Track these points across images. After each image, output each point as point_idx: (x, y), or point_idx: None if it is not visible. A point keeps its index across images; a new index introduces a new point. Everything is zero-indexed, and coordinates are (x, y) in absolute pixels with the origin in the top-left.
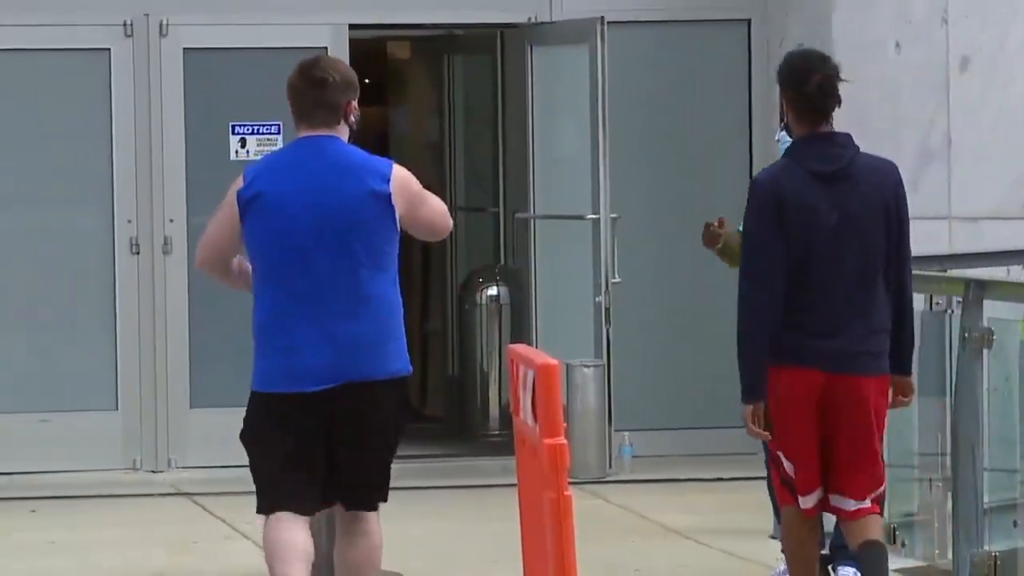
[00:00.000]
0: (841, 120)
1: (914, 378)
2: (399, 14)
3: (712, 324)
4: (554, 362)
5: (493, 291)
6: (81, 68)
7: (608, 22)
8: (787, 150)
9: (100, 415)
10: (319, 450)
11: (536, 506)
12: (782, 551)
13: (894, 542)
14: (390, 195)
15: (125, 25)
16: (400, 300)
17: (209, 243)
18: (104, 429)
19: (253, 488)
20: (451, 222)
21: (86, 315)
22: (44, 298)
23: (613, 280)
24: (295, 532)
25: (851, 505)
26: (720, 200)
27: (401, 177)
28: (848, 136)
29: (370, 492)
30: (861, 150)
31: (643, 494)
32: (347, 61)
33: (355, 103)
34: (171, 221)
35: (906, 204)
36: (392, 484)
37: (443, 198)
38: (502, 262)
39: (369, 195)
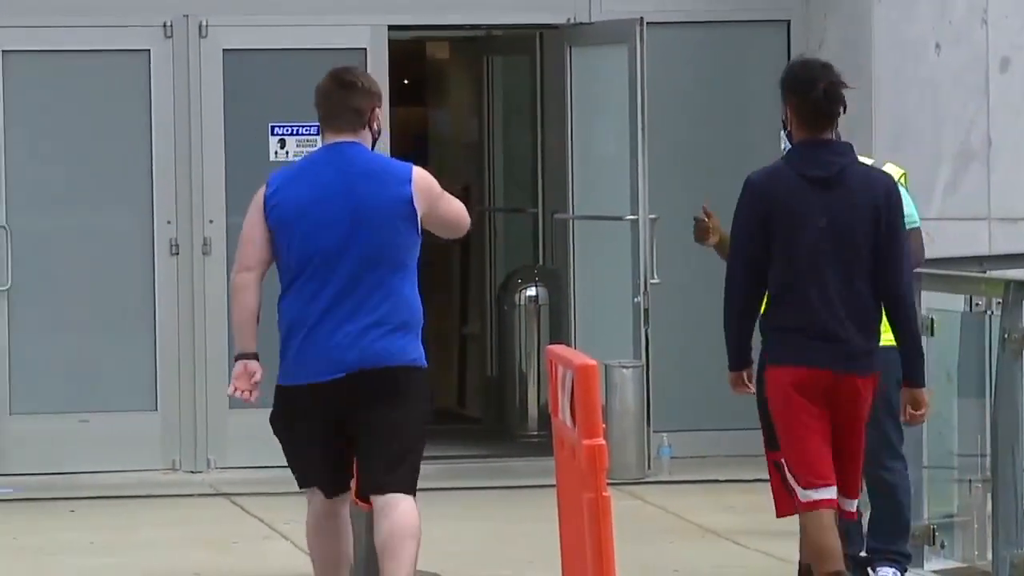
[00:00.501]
0: (880, 121)
1: (927, 388)
2: (438, 15)
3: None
4: (593, 363)
5: (532, 292)
6: (121, 69)
7: (647, 23)
8: (786, 154)
9: (139, 416)
10: (337, 435)
11: (575, 507)
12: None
13: (933, 543)
14: (412, 198)
15: (165, 26)
16: (419, 299)
17: (241, 255)
18: (143, 429)
19: (289, 489)
20: (468, 220)
21: (126, 316)
22: (84, 299)
23: (652, 281)
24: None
25: (845, 504)
26: None
27: (421, 177)
28: (847, 145)
29: (399, 475)
30: (861, 159)
31: (682, 495)
32: (386, 62)
33: (379, 111)
34: (210, 222)
35: (900, 216)
36: (430, 485)
37: (482, 199)
38: (541, 263)
39: (393, 199)
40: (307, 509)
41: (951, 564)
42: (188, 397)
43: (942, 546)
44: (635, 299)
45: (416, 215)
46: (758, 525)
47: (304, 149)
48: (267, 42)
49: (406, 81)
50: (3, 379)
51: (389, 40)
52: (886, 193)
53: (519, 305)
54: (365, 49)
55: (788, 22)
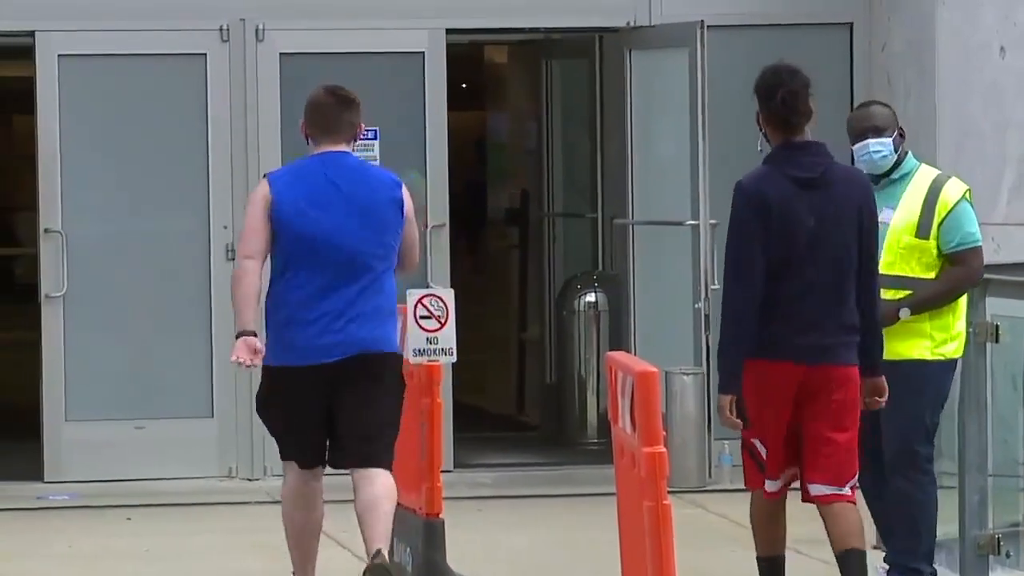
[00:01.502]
0: (944, 125)
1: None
2: (497, 18)
3: None
4: (653, 369)
5: (591, 297)
6: (177, 73)
7: (708, 26)
8: (767, 158)
9: (195, 422)
10: (323, 414)
11: (635, 515)
12: (878, 546)
13: (998, 552)
14: (402, 203)
15: (221, 30)
16: (395, 290)
17: (248, 243)
18: (199, 436)
19: (345, 497)
20: (418, 256)
21: (182, 321)
22: (140, 304)
23: (712, 286)
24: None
25: (824, 491)
26: None
27: (407, 192)
28: (823, 145)
29: (380, 450)
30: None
31: (743, 503)
32: (444, 66)
33: (362, 128)
34: None
35: (876, 214)
36: (488, 493)
37: (540, 204)
38: (600, 268)
39: (387, 202)
40: (284, 481)
41: (1017, 574)
42: (245, 403)
43: (1008, 555)
44: (696, 305)
45: (403, 218)
46: (820, 534)
47: (360, 154)
48: (324, 46)
49: (464, 85)
50: (59, 385)
51: (447, 44)
52: (864, 192)
53: (578, 311)
54: (423, 53)
55: (851, 24)
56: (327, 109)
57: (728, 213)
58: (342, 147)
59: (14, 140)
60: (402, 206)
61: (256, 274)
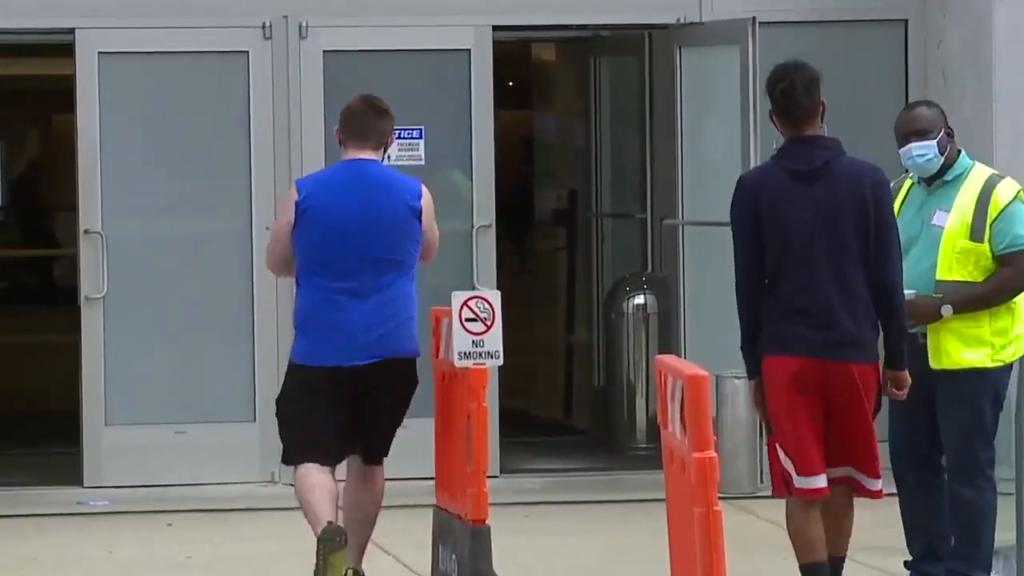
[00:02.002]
0: (1001, 123)
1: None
2: (544, 15)
3: None
4: (703, 373)
5: (640, 300)
6: (219, 71)
7: (759, 23)
8: (775, 152)
9: (238, 426)
10: (345, 412)
11: (685, 522)
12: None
13: None
14: (420, 210)
15: (264, 27)
16: (416, 295)
17: (274, 249)
18: (242, 441)
19: (389, 502)
20: (435, 252)
21: (223, 323)
22: (181, 306)
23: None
24: (325, 476)
25: (858, 476)
26: None
27: (427, 196)
28: (834, 140)
29: (384, 449)
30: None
31: None
32: (490, 64)
33: (392, 137)
34: None
35: (888, 207)
36: (536, 498)
37: (589, 204)
38: (649, 270)
39: (405, 208)
40: (296, 479)
41: None
42: None
43: None
44: None
45: (421, 224)
46: (873, 541)
47: (406, 154)
48: (368, 43)
49: (511, 84)
50: (98, 389)
51: (493, 41)
52: (873, 184)
53: (627, 313)
54: (469, 50)
55: (905, 22)
56: (359, 116)
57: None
58: (369, 154)
59: (54, 139)
60: (419, 215)
61: (284, 273)
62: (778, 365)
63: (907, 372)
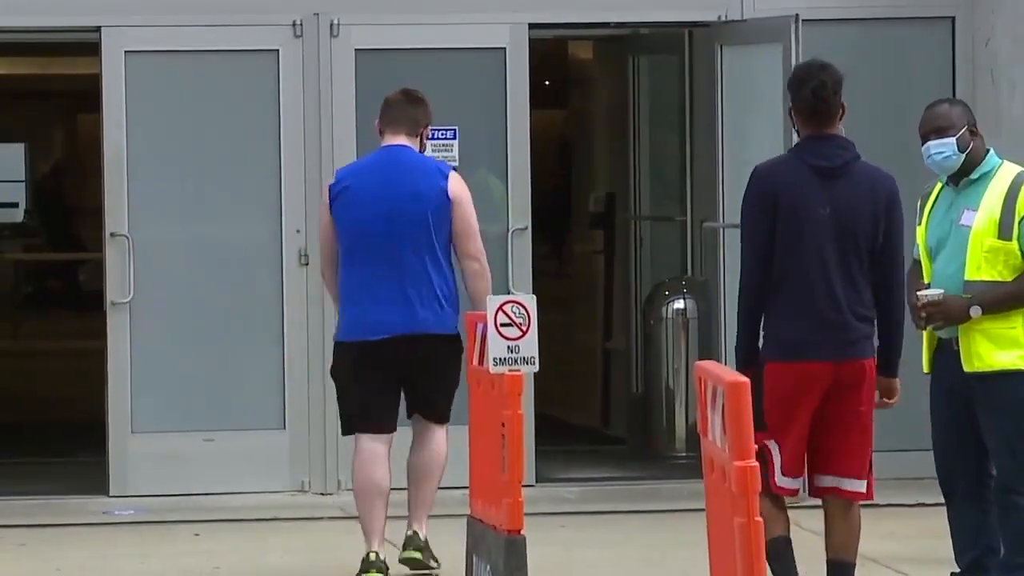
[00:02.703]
0: None
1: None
2: (582, 13)
3: (909, 339)
4: (744, 379)
5: (680, 304)
6: (248, 70)
7: (802, 20)
8: (793, 146)
9: (267, 434)
10: (387, 382)
11: (725, 532)
12: None
13: None
14: (448, 190)
15: (295, 25)
16: (452, 274)
17: (320, 244)
18: (271, 449)
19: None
20: (478, 243)
21: (253, 329)
22: (209, 312)
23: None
24: (375, 461)
25: (844, 484)
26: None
27: (458, 178)
28: (849, 141)
29: (431, 411)
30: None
31: None
32: (527, 62)
33: (429, 130)
34: None
35: (899, 215)
36: (573, 508)
37: (627, 206)
38: (689, 274)
39: (433, 189)
40: (355, 452)
41: None
42: (318, 415)
43: None
44: None
45: (450, 205)
46: (921, 552)
47: (440, 154)
48: (401, 42)
49: (547, 83)
50: (124, 396)
51: (530, 39)
52: (887, 193)
53: (666, 318)
54: (504, 49)
55: (952, 19)
56: (394, 104)
57: None
58: (402, 140)
59: (79, 140)
60: (447, 193)
61: (332, 270)
62: (787, 372)
63: (898, 381)
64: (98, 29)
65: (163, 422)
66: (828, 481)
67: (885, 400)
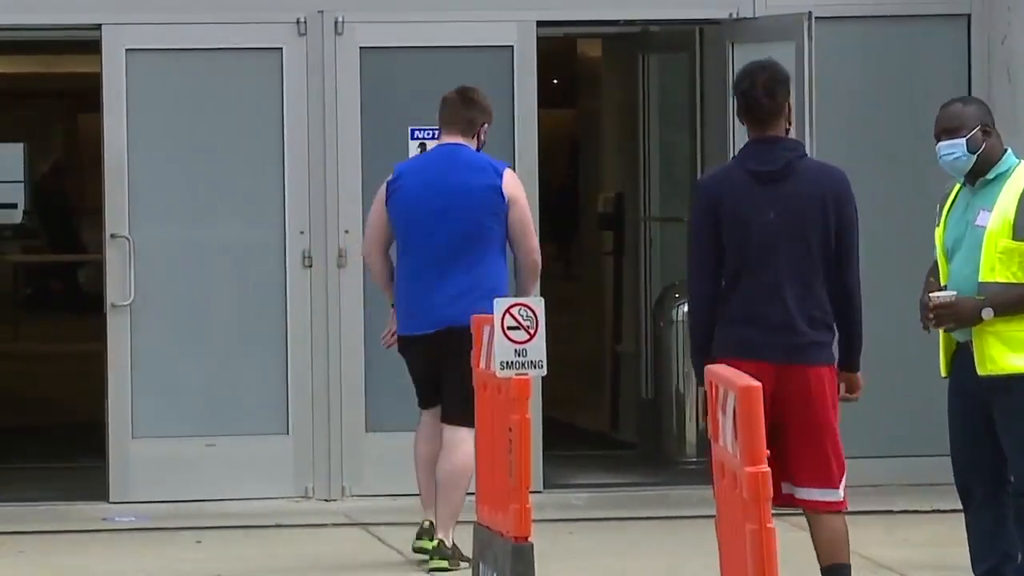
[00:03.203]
0: None
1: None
2: (590, 10)
3: (926, 341)
4: (756, 384)
5: None
6: (251, 69)
7: (816, 18)
8: (737, 153)
9: (270, 439)
10: (433, 373)
11: (737, 539)
12: None
13: None
14: (501, 188)
15: (298, 23)
16: (505, 271)
17: (368, 233)
18: (274, 454)
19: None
20: (534, 242)
21: (255, 333)
22: (210, 314)
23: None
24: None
25: (815, 495)
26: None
27: (512, 175)
28: (796, 142)
29: (458, 412)
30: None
31: (852, 526)
32: (534, 61)
33: (488, 127)
34: (346, 232)
35: (852, 210)
36: (581, 515)
37: (636, 207)
38: None
39: (487, 188)
40: (418, 426)
41: None
42: (322, 420)
43: None
44: None
45: (504, 202)
46: (937, 559)
47: None
48: (408, 39)
49: (555, 81)
50: (125, 400)
51: (537, 37)
52: (835, 185)
53: (676, 321)
54: (512, 47)
55: (968, 16)
56: (450, 104)
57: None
58: (457, 139)
59: (79, 140)
60: (501, 192)
61: (378, 260)
62: (742, 368)
63: (860, 376)
64: (99, 27)
65: (164, 427)
66: (801, 493)
67: (847, 395)
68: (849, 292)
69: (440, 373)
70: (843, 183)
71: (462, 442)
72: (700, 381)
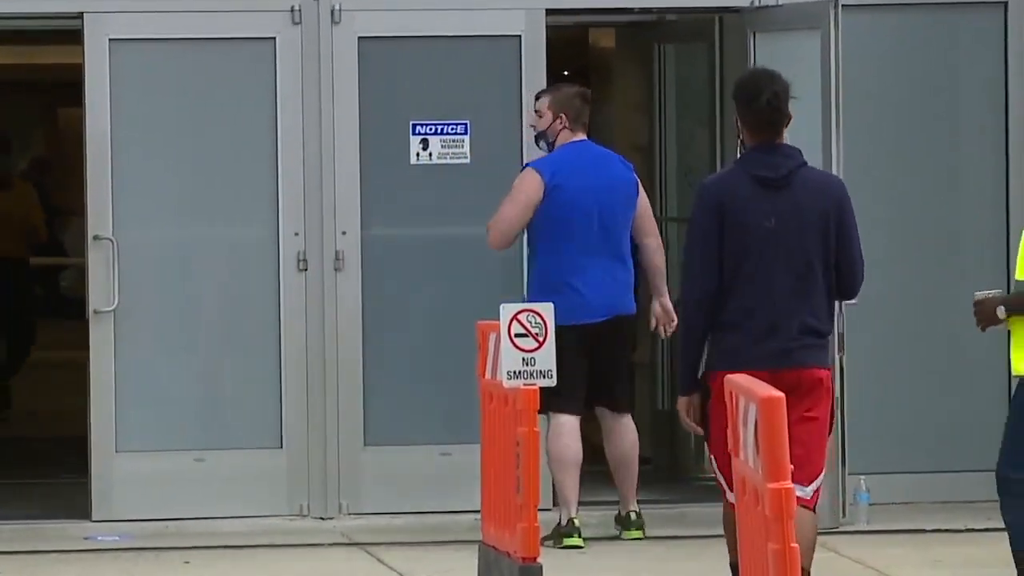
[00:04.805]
0: None
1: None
2: None
3: (957, 352)
4: (779, 394)
5: None
6: (243, 60)
7: (842, 5)
8: (739, 158)
9: (263, 454)
10: (587, 366)
11: (758, 559)
12: None
13: None
14: (636, 182)
15: (292, 11)
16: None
17: (507, 224)
18: (267, 469)
19: (431, 538)
20: (653, 224)
21: (247, 340)
22: (199, 321)
23: (847, 301)
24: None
25: (802, 492)
26: (970, 207)
27: (634, 174)
28: (795, 149)
29: (624, 399)
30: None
31: (881, 546)
32: (544, 51)
33: None
34: (343, 234)
35: (851, 217)
36: (595, 534)
37: (652, 206)
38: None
39: (626, 180)
40: (550, 429)
41: None
42: (318, 433)
43: None
44: None
45: (637, 194)
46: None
47: (449, 151)
48: (408, 28)
49: (566, 73)
50: (108, 412)
51: (547, 26)
52: (837, 196)
53: None
54: (519, 36)
55: (1005, 4)
56: (585, 100)
57: (862, 215)
58: (581, 135)
59: (60, 136)
60: (637, 185)
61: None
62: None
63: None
64: (80, 15)
65: (150, 440)
66: None
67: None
68: (853, 300)
69: (606, 360)
70: (842, 192)
71: (629, 426)
72: (685, 389)
